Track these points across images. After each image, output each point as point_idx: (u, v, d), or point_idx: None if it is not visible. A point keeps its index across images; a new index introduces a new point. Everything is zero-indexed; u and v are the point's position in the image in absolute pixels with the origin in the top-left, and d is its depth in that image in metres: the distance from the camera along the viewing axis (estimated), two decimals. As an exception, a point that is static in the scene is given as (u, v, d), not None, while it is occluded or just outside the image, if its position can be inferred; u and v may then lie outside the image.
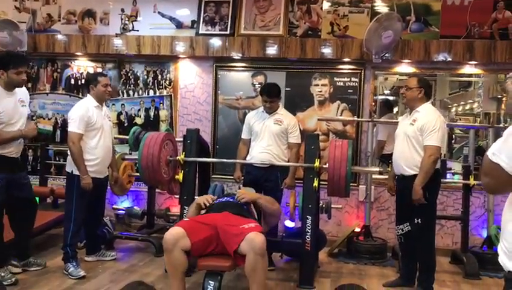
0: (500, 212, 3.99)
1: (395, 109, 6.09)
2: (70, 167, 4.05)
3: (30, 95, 5.12)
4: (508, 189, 1.42)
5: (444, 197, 5.07)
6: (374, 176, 4.97)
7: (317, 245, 4.27)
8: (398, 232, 3.97)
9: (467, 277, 4.36)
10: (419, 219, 3.72)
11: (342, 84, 5.26)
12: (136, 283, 1.61)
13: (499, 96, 5.66)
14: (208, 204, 3.55)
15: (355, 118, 5.12)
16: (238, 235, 2.99)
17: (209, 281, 3.06)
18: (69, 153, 4.02)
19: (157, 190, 5.24)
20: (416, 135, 3.68)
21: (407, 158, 3.74)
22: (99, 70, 5.69)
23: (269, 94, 4.35)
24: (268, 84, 4.80)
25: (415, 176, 3.67)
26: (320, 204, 4.37)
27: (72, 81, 5.87)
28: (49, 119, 5.93)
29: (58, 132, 5.88)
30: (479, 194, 4.93)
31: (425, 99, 3.79)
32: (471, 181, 4.54)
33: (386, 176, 4.34)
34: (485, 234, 4.86)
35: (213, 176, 5.29)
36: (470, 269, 4.39)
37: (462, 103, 6.42)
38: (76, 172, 3.98)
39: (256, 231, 3.03)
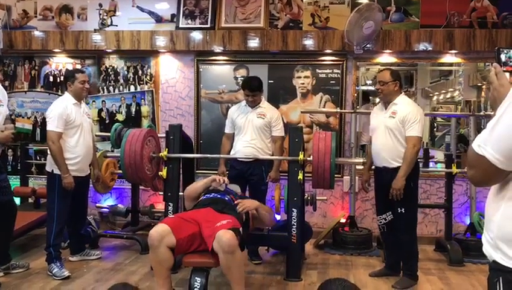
0: (483, 199, 4.03)
1: (377, 99, 6.13)
2: (50, 166, 3.98)
3: (8, 93, 5.02)
4: (494, 181, 1.42)
5: (427, 186, 5.13)
6: (358, 167, 4.99)
7: (303, 237, 4.28)
8: (380, 222, 4.00)
9: (451, 264, 4.42)
10: (403, 208, 3.75)
11: (324, 75, 5.25)
12: (120, 285, 1.58)
13: (479, 84, 5.73)
14: (221, 184, 3.64)
15: (338, 110, 5.13)
16: (211, 235, 2.98)
17: (196, 278, 3.04)
18: (48, 152, 3.95)
19: (141, 187, 5.19)
20: (399, 127, 3.71)
21: (391, 150, 3.75)
22: (78, 66, 5.59)
23: (251, 88, 4.32)
24: (249, 77, 4.77)
25: (399, 168, 3.70)
26: (305, 196, 4.37)
27: (51, 79, 5.75)
28: (28, 117, 5.81)
29: (38, 131, 5.77)
30: (461, 182, 4.99)
31: (400, 91, 3.84)
32: (454, 169, 4.58)
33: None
34: (468, 221, 4.93)
35: (197, 171, 5.26)
36: (454, 257, 4.45)
37: (443, 91, 6.49)
38: (57, 171, 3.92)
39: (226, 227, 3.00)
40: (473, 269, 4.29)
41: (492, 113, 1.42)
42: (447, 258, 4.53)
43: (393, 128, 3.73)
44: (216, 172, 4.69)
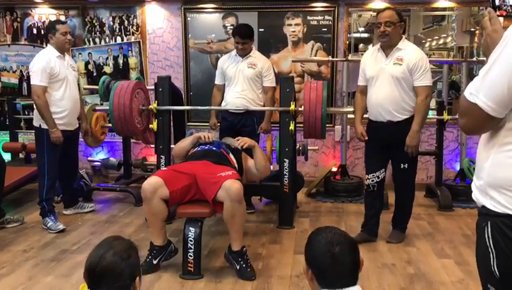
0: (473, 145, 4.04)
1: (370, 46, 6.03)
2: (37, 121, 3.93)
3: (-10, 47, 4.88)
4: (486, 129, 1.40)
5: (418, 133, 5.14)
6: (349, 116, 4.97)
7: (295, 187, 4.33)
8: (372, 181, 3.60)
9: (441, 209, 4.51)
10: (406, 164, 3.52)
11: (315, 23, 5.14)
12: (111, 238, 1.59)
13: (472, 30, 5.63)
14: (207, 140, 3.55)
15: (330, 58, 5.05)
16: (215, 184, 2.99)
17: (190, 228, 3.08)
18: (35, 107, 3.89)
19: (132, 140, 5.17)
20: (407, 76, 3.37)
21: (398, 102, 3.41)
22: (62, 18, 5.42)
23: (241, 35, 4.22)
24: (240, 24, 4.66)
25: (406, 120, 3.42)
26: (297, 146, 4.39)
27: (35, 31, 5.58)
28: (13, 72, 5.69)
29: (25, 85, 5.66)
30: (452, 129, 5.01)
31: (402, 34, 3.49)
32: (445, 116, 4.58)
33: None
34: (458, 167, 4.99)
35: (188, 123, 5.23)
36: (444, 202, 4.53)
37: (436, 37, 6.37)
38: (44, 126, 3.87)
39: (232, 178, 3.02)
40: (462, 213, 4.39)
41: (484, 59, 1.38)
42: (436, 204, 4.62)
43: (401, 77, 3.37)
44: (207, 124, 4.68)
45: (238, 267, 3.07)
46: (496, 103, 1.30)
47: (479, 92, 1.32)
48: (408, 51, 3.41)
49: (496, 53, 1.31)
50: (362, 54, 5.79)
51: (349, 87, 5.09)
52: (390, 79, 3.41)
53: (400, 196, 3.71)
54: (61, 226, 3.94)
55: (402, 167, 3.54)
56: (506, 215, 1.35)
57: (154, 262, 3.13)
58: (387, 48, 3.46)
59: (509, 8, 1.53)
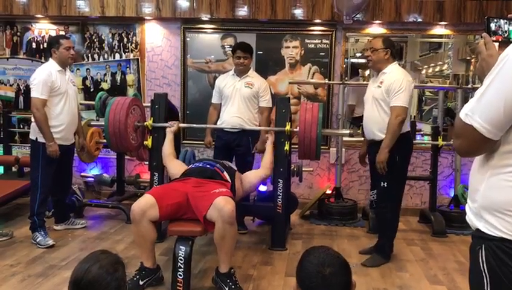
0: (467, 171, 4.03)
1: (367, 72, 6.08)
2: (34, 134, 3.91)
3: (-12, 60, 4.88)
4: (481, 151, 1.39)
5: (413, 159, 5.12)
6: (344, 139, 4.98)
7: (288, 208, 4.30)
8: (373, 197, 3.95)
9: (434, 235, 4.47)
10: (385, 183, 3.61)
11: (313, 46, 5.19)
12: (98, 252, 1.55)
13: (468, 58, 5.70)
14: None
15: (326, 81, 5.08)
16: (207, 200, 2.95)
17: (180, 247, 3.03)
18: (32, 120, 3.88)
19: (126, 157, 5.15)
20: (384, 97, 3.54)
21: (378, 122, 3.59)
22: (62, 33, 5.44)
23: (243, 48, 4.27)
24: (240, 41, 4.71)
25: None
26: (292, 167, 4.37)
27: (34, 45, 5.60)
28: (10, 85, 5.68)
29: (21, 99, 5.65)
30: (447, 155, 5.02)
31: (392, 60, 3.63)
32: (440, 142, 4.60)
33: (357, 138, 4.31)
34: (452, 194, 4.98)
35: (184, 141, 5.21)
36: (437, 228, 4.50)
37: (432, 64, 6.45)
38: (41, 139, 3.85)
39: (225, 195, 2.99)
40: (455, 240, 4.36)
41: (479, 86, 1.38)
42: (430, 229, 4.59)
43: (379, 99, 3.58)
44: (203, 143, 4.67)
45: (227, 289, 3.01)
46: (491, 125, 1.30)
47: (475, 113, 1.32)
48: (389, 75, 3.57)
49: (491, 75, 1.32)
50: (362, 78, 5.91)
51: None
52: (373, 101, 3.64)
53: (380, 217, 3.76)
54: (50, 242, 3.89)
55: (382, 185, 3.65)
56: (501, 238, 1.33)
57: (141, 283, 3.07)
58: (377, 71, 3.69)
59: (504, 33, 1.53)
